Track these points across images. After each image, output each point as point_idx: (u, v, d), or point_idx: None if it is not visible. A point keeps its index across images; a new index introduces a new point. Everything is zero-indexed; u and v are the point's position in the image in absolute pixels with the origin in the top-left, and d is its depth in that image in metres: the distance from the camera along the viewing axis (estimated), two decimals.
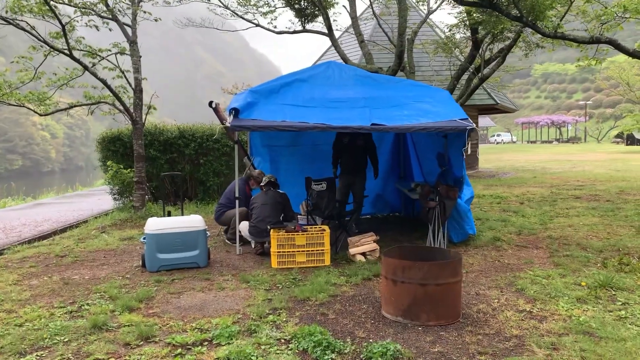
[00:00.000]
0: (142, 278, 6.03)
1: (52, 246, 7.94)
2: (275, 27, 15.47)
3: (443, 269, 4.32)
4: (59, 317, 4.69)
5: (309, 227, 6.81)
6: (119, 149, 11.43)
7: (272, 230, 6.59)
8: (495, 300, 4.92)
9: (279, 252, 6.33)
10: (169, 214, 7.94)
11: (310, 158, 9.42)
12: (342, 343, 3.88)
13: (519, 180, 16.36)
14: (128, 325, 4.42)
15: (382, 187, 9.95)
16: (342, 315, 4.61)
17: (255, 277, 5.93)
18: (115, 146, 11.45)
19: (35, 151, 69.79)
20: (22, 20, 8.83)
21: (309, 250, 6.35)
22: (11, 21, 8.66)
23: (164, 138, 11.63)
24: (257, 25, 14.93)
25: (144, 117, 10.17)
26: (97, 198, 15.79)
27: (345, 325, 4.35)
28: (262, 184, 7.37)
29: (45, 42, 9.11)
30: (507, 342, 3.91)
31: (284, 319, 4.51)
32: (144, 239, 6.38)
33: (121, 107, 10.12)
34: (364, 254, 6.55)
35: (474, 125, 6.28)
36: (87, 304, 5.03)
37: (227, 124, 7.16)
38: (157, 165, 11.44)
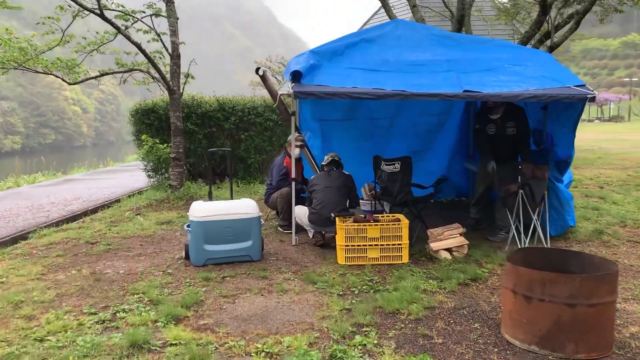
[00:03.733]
0: (186, 274, 5.05)
1: (82, 230, 7.05)
2: None
3: (599, 285, 3.18)
4: (89, 328, 3.73)
5: (380, 215, 5.71)
6: (154, 122, 10.46)
7: (337, 219, 5.52)
8: None
9: (348, 246, 5.26)
10: (210, 196, 6.97)
11: (367, 134, 8.27)
12: None
13: (583, 161, 14.87)
14: (175, 344, 3.43)
15: (447, 167, 8.76)
16: (451, 338, 3.52)
17: (322, 276, 4.88)
18: (149, 119, 10.48)
19: (68, 126, 70.07)
20: None
21: (383, 245, 5.26)
22: None
23: (202, 111, 10.61)
24: None
25: (181, 86, 9.14)
26: (129, 174, 15.00)
27: (462, 355, 3.27)
28: (323, 163, 6.28)
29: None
30: None
31: (375, 341, 3.46)
32: (188, 226, 5.39)
33: (157, 75, 9.11)
34: (449, 249, 5.42)
35: (595, 93, 5.04)
36: (124, 310, 4.06)
37: (284, 92, 6.09)
38: (195, 140, 10.45)
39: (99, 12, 8.27)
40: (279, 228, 6.89)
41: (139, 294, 4.45)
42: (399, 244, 5.27)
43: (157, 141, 9.59)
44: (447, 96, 5.14)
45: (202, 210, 5.36)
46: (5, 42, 8.76)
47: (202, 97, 10.95)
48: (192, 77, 9.80)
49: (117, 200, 9.79)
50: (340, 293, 4.44)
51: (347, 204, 5.97)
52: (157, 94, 10.72)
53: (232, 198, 6.29)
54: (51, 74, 9.30)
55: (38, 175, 15.35)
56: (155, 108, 10.54)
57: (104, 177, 14.56)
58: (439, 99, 5.19)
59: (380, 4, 13.38)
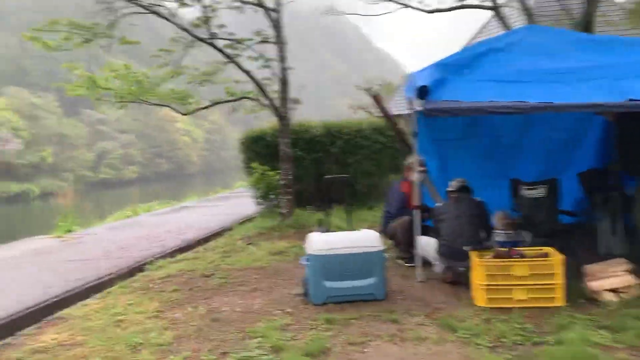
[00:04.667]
0: (306, 314, 4.60)
1: (197, 261, 6.92)
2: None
3: None
4: None
5: (525, 249, 4.92)
6: (262, 150, 10.39)
7: (473, 254, 4.82)
8: None
9: (490, 285, 4.53)
10: (321, 223, 6.55)
11: (488, 153, 7.45)
12: None
13: None
14: None
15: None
16: None
17: (462, 322, 4.19)
18: (258, 146, 10.43)
19: (179, 155, 74.69)
20: (160, 5, 8.02)
21: (532, 285, 4.47)
22: (149, 7, 7.88)
23: (309, 136, 10.37)
24: (406, 6, 13.15)
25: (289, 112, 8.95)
26: (237, 201, 15.18)
27: None
28: (451, 189, 5.62)
29: (185, 29, 8.24)
30: None
31: None
32: (307, 260, 4.97)
33: (266, 102, 8.99)
34: (614, 290, 4.50)
35: None
36: (244, 358, 3.67)
37: (407, 111, 5.56)
38: (302, 166, 10.20)
39: (209, 41, 8.32)
40: (398, 261, 6.28)
41: (258, 337, 4.06)
42: (551, 284, 4.45)
43: (267, 168, 9.43)
44: (609, 106, 4.32)
45: (320, 242, 4.92)
46: (124, 77, 9.11)
47: (309, 122, 10.73)
48: (300, 103, 9.59)
49: (230, 229, 9.73)
50: (490, 345, 3.73)
51: (481, 234, 5.25)
52: (265, 122, 10.68)
53: (350, 229, 5.80)
54: (166, 106, 9.54)
55: (154, 203, 16.02)
56: (264, 135, 10.47)
57: (214, 204, 14.84)
58: (600, 109, 4.37)
59: (491, 16, 12.54)
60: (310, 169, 10.29)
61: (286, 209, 8.82)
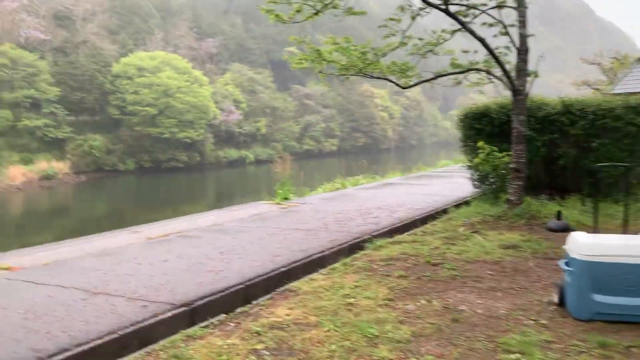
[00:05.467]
0: (568, 330, 3.76)
1: (417, 245, 6.44)
2: None
3: None
4: None
5: None
6: (485, 127, 9.43)
7: None
8: None
9: None
10: (559, 216, 5.48)
11: None
12: None
13: None
14: None
15: None
16: None
17: None
18: (480, 123, 9.50)
19: (375, 130, 75.87)
20: None
21: None
22: None
23: (543, 114, 9.07)
24: None
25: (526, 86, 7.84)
26: (443, 181, 14.42)
27: None
28: None
29: None
30: None
31: None
32: (567, 264, 4.09)
33: (498, 74, 8.02)
34: None
35: None
36: None
37: None
38: (532, 147, 8.98)
39: (443, 7, 7.63)
40: None
41: (515, 353, 3.38)
42: None
43: (494, 148, 8.49)
44: None
45: (589, 246, 3.99)
46: (345, 50, 8.94)
47: (543, 99, 9.41)
48: (537, 76, 8.37)
49: (444, 211, 9.09)
50: None
51: None
52: (490, 96, 9.67)
53: (626, 226, 4.70)
54: (385, 79, 9.18)
55: (359, 177, 16.13)
56: (488, 111, 9.49)
57: (419, 182, 14.30)
58: None
59: None
60: (542, 151, 9.02)
61: (515, 195, 7.82)
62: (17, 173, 34.93)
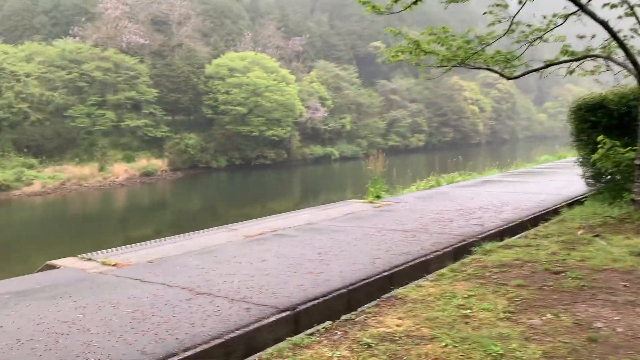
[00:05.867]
0: None
1: (532, 250, 5.88)
2: None
3: None
4: None
5: None
6: (601, 120, 8.54)
7: None
8: None
9: None
10: None
11: None
12: None
13: None
14: None
15: None
16: None
17: None
18: (595, 116, 8.61)
19: (465, 124, 73.08)
20: None
21: None
22: None
23: None
24: None
25: None
26: (547, 178, 13.42)
27: None
28: None
29: None
30: None
31: None
32: None
33: (620, 60, 7.19)
34: None
35: None
36: None
37: None
38: None
39: None
40: None
41: None
42: None
43: (617, 143, 7.64)
44: None
45: None
46: (443, 40, 8.44)
47: None
48: None
49: (554, 211, 8.36)
50: None
51: None
52: (607, 85, 8.76)
53: None
54: (489, 69, 8.58)
55: (455, 174, 15.43)
56: (604, 102, 8.59)
57: (520, 179, 13.40)
58: None
59: None
60: None
61: None
62: (120, 170, 37.40)
